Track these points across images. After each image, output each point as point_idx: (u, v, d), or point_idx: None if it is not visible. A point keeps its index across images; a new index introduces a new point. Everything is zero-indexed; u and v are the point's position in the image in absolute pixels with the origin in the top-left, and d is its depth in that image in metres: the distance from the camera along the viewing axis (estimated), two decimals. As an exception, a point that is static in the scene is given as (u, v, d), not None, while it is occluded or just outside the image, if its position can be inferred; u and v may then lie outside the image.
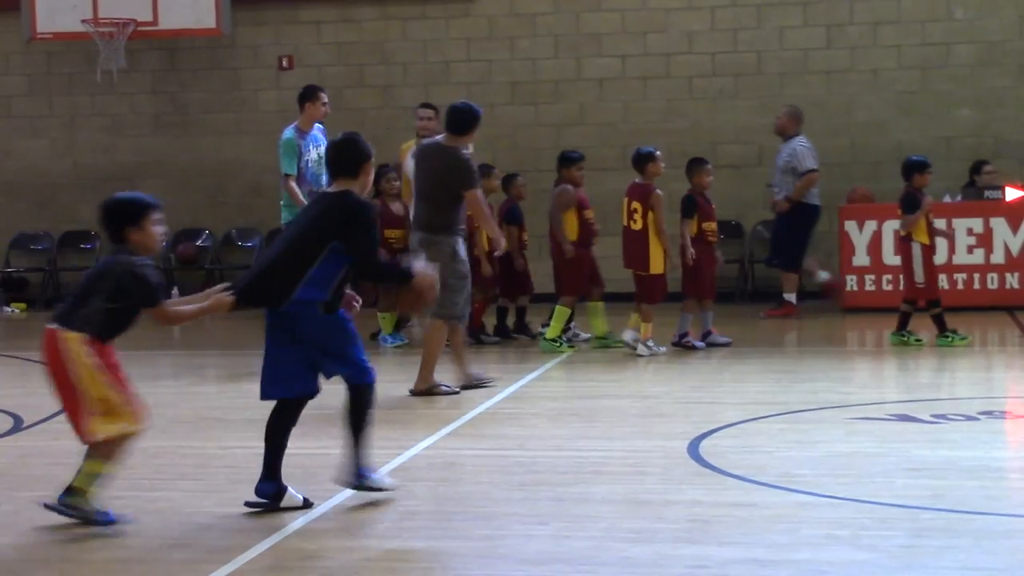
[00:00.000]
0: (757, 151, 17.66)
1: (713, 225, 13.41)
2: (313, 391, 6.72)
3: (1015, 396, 10.64)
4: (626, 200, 12.83)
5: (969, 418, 8.93)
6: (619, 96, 17.53)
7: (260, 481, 6.63)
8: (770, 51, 18.17)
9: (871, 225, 16.33)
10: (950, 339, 12.75)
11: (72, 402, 6.31)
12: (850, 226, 16.43)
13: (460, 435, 8.80)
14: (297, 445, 6.86)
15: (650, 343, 12.67)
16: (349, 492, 6.85)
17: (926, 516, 6.29)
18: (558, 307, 13.02)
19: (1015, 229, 15.49)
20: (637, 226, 12.69)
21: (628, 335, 12.81)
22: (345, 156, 6.86)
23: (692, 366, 12.12)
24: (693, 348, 12.95)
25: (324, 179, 12.76)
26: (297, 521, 6.37)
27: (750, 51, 18.22)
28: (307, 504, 6.63)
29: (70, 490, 6.36)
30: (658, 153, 13.06)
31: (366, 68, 18.92)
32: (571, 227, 13.16)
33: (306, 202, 12.71)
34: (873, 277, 16.30)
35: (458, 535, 6.19)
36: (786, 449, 8.05)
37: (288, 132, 12.97)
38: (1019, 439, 8.75)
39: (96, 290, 6.38)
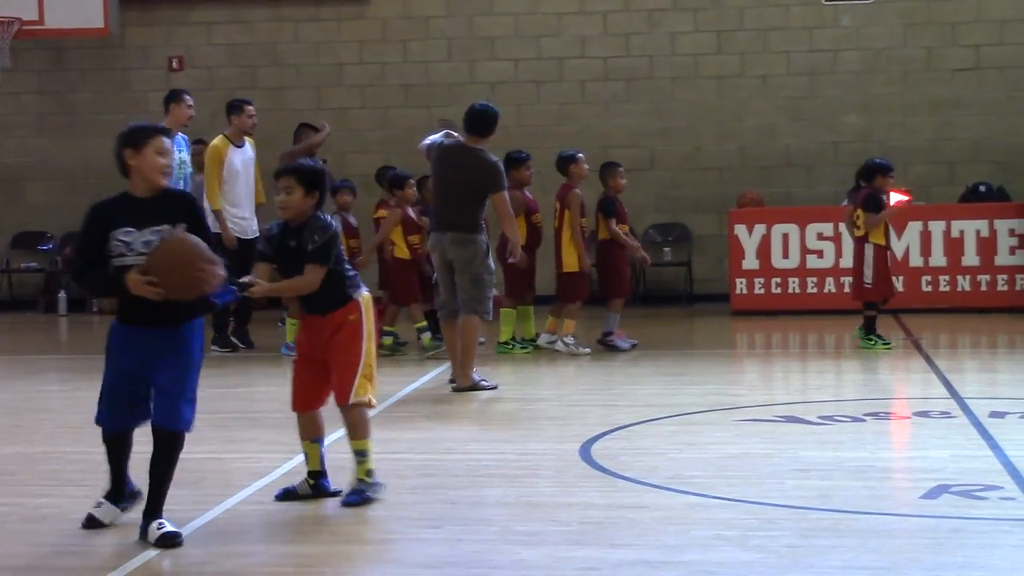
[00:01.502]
0: (649, 155, 17.81)
1: (626, 227, 13.54)
2: None
3: (900, 397, 10.82)
4: (554, 202, 13.19)
5: (855, 419, 9.07)
6: (512, 100, 17.58)
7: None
8: (662, 56, 18.33)
9: (760, 229, 16.55)
10: (873, 343, 12.91)
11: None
12: (740, 230, 16.63)
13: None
14: (192, 450, 6.78)
15: (569, 340, 12.82)
16: (240, 496, 6.81)
17: (813, 516, 6.38)
18: (504, 310, 13.09)
19: (898, 234, 15.75)
20: (557, 225, 13.07)
21: (544, 337, 13.01)
22: None
23: (585, 369, 12.19)
24: (616, 348, 13.05)
25: (182, 184, 12.75)
26: (188, 526, 6.31)
27: (642, 56, 18.37)
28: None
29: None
30: (580, 155, 13.20)
31: (258, 70, 18.80)
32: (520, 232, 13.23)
33: None
34: (762, 280, 16.51)
35: (350, 539, 6.17)
36: (676, 451, 8.12)
37: None
38: (903, 440, 8.91)
39: None
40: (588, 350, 12.96)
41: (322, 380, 6.74)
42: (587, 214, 13.27)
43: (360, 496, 6.66)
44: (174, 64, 18.91)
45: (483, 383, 10.69)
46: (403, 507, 6.71)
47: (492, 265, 10.81)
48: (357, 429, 6.74)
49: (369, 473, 6.75)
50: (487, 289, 10.69)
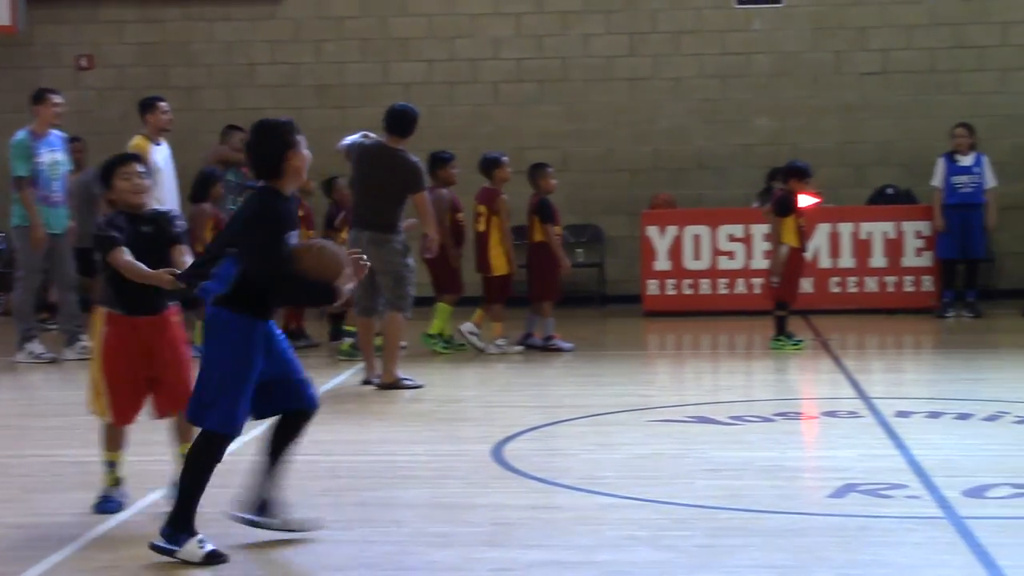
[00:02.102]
0: (561, 156, 17.85)
1: (559, 229, 13.59)
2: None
3: (809, 398, 10.94)
4: (475, 204, 13.18)
5: (765, 419, 9.16)
6: (426, 101, 17.52)
7: None
8: (575, 58, 18.39)
9: (672, 230, 16.66)
10: (782, 343, 13.03)
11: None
12: (652, 231, 16.73)
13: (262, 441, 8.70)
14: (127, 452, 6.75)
15: (500, 342, 12.90)
16: (149, 499, 6.75)
17: (723, 516, 6.44)
18: (441, 305, 13.13)
19: (809, 234, 15.87)
20: (481, 228, 13.09)
21: (467, 326, 13.12)
22: None
23: (497, 370, 12.21)
24: (559, 350, 13.09)
25: (57, 184, 12.67)
26: (95, 530, 6.24)
27: (555, 58, 18.42)
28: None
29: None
30: (505, 159, 13.25)
31: (169, 69, 18.62)
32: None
33: (38, 207, 12.60)
34: (674, 282, 16.62)
35: (261, 540, 6.13)
36: (588, 451, 8.16)
37: (20, 134, 12.83)
38: (812, 439, 9.01)
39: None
40: (518, 348, 13.06)
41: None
42: (510, 217, 13.33)
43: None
44: (83, 63, 18.69)
45: (406, 381, 10.72)
46: (314, 509, 6.68)
47: (411, 263, 10.83)
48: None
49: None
50: (408, 287, 10.78)
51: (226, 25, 18.65)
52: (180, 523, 5.76)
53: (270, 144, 5.94)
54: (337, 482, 7.33)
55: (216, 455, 5.86)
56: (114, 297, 6.47)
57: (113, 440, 6.69)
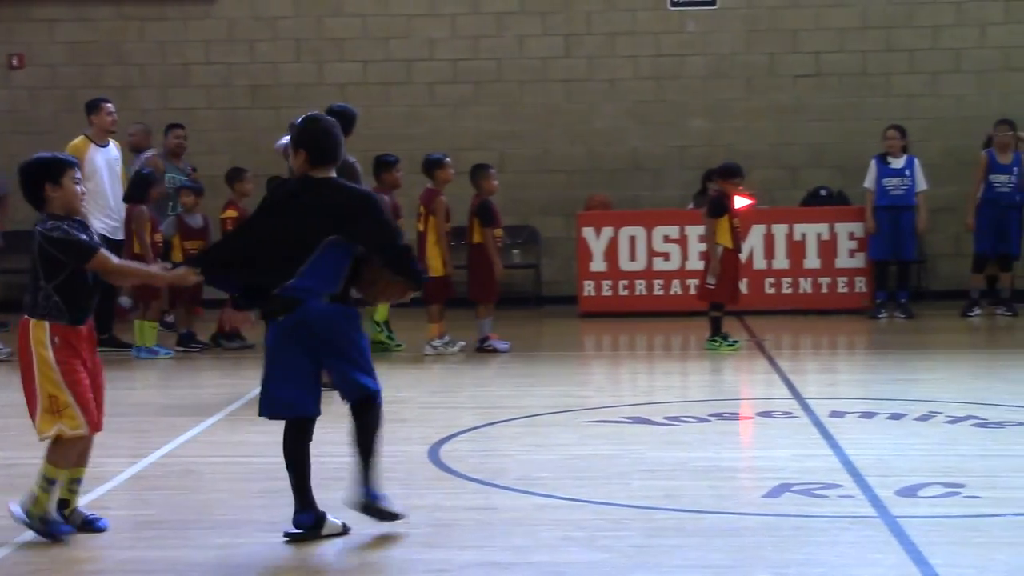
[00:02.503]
0: (497, 157, 17.83)
1: (500, 231, 13.57)
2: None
3: (744, 398, 11.00)
4: (419, 204, 13.25)
5: (700, 420, 9.20)
6: (361, 101, 17.44)
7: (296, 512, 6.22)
8: (510, 59, 18.40)
9: (608, 231, 16.70)
10: (718, 344, 13.08)
11: (31, 395, 6.18)
12: (587, 232, 16.77)
13: (198, 442, 8.67)
14: (35, 454, 6.67)
15: (435, 342, 12.89)
16: (80, 502, 6.68)
17: (659, 516, 6.46)
18: (380, 308, 13.17)
19: (744, 235, 15.97)
20: (421, 228, 13.11)
21: (430, 346, 13.17)
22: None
23: (433, 371, 12.19)
24: (495, 351, 13.13)
25: None
26: (28, 534, 6.17)
27: (490, 59, 18.42)
28: (346, 530, 6.18)
29: (31, 497, 6.17)
30: (447, 160, 13.23)
31: (102, 69, 18.45)
32: None
33: None
34: (610, 283, 16.66)
35: (196, 544, 6.10)
36: (525, 452, 8.16)
37: None
38: (747, 440, 9.06)
39: (36, 273, 6.18)
40: (461, 344, 13.05)
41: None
42: (451, 218, 13.33)
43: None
44: (14, 62, 18.48)
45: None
46: (250, 511, 6.65)
47: None
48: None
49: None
50: None
51: (159, 24, 18.51)
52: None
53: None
54: (274, 484, 7.27)
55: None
56: (63, 308, 6.13)
57: (82, 454, 6.29)
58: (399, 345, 13.39)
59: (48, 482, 6.15)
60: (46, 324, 6.13)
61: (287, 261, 6.07)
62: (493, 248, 13.31)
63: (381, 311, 13.22)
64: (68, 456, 6.20)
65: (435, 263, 13.09)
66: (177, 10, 18.50)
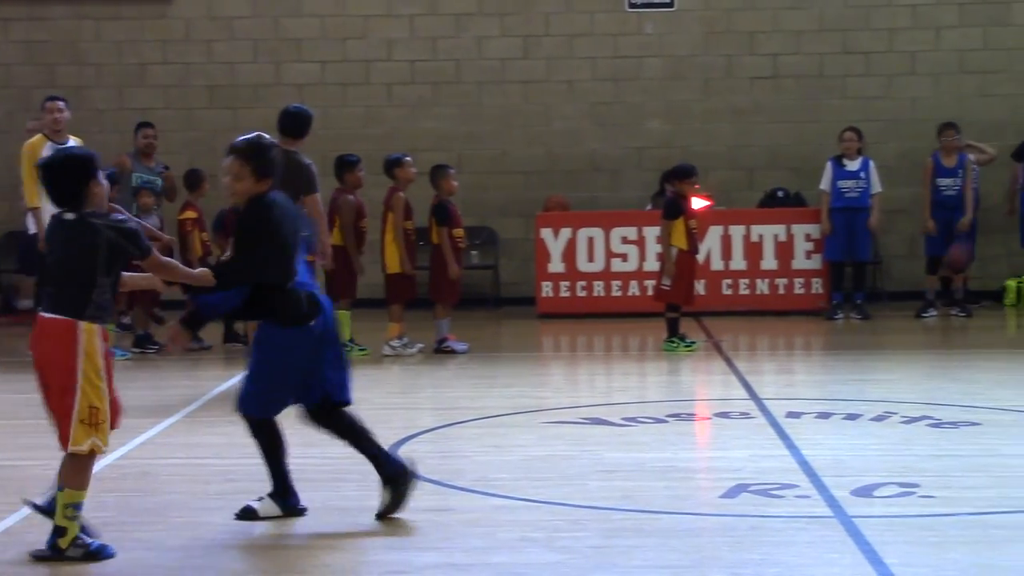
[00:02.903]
0: (456, 158, 17.82)
1: (461, 231, 13.55)
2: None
3: (701, 399, 11.04)
4: (383, 204, 13.28)
5: (658, 421, 9.23)
6: (319, 102, 17.41)
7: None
8: (469, 60, 18.40)
9: (566, 232, 16.72)
10: (676, 345, 13.12)
11: (65, 404, 5.77)
12: (546, 233, 16.79)
13: (155, 444, 8.63)
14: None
15: (394, 343, 12.88)
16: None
17: (617, 517, 6.48)
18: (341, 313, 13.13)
19: (701, 237, 16.03)
20: (382, 228, 13.15)
21: (388, 347, 13.15)
22: None
23: (392, 372, 12.18)
24: (453, 351, 13.14)
25: None
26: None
27: (449, 60, 18.41)
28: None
29: (58, 534, 5.81)
30: (407, 159, 13.23)
31: (57, 68, 18.33)
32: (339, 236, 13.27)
33: None
34: (568, 284, 16.69)
35: (153, 546, 6.07)
36: (483, 453, 8.17)
37: None
38: (704, 440, 9.09)
39: (87, 269, 5.79)
40: (419, 346, 13.04)
41: None
42: (412, 216, 13.31)
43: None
44: (-32, 61, 18.36)
45: None
46: (207, 513, 6.63)
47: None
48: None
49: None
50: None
51: (116, 24, 18.41)
52: None
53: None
54: (231, 485, 7.26)
55: None
56: (107, 308, 5.88)
57: (90, 474, 5.95)
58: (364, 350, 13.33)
59: (75, 509, 5.80)
60: (97, 328, 5.80)
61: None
62: (447, 249, 13.28)
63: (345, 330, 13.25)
64: (86, 475, 5.85)
65: (392, 261, 13.07)
66: (133, 10, 18.41)
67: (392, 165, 13.23)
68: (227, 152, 6.47)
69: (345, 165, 13.21)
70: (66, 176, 5.90)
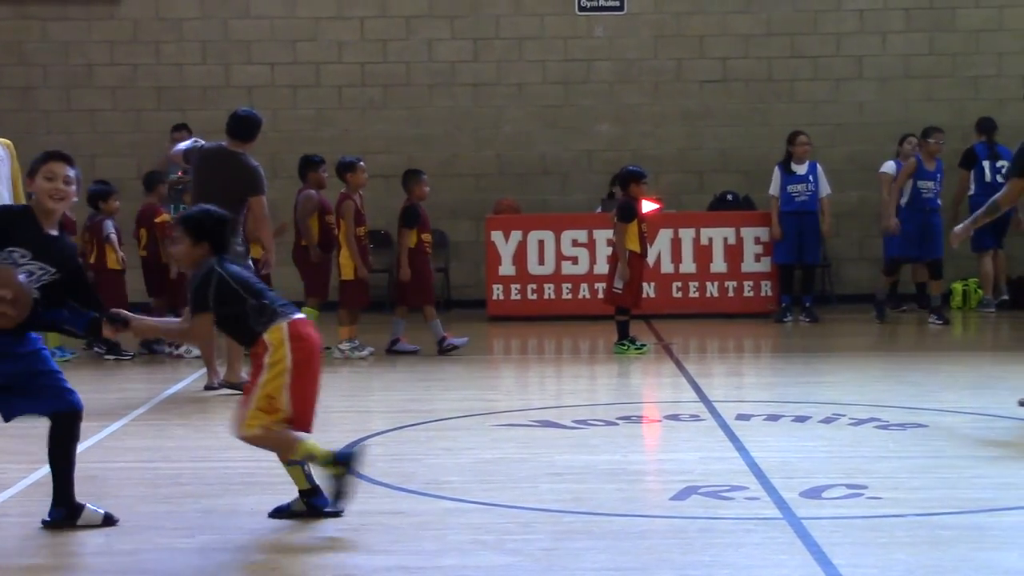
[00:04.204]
0: (406, 161, 17.79)
1: (429, 236, 13.59)
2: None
3: (651, 401, 11.07)
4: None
5: (608, 423, 9.24)
6: (268, 104, 17.40)
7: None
8: (419, 63, 18.39)
9: (516, 235, 16.74)
10: (626, 347, 13.16)
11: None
12: (496, 236, 16.80)
13: (103, 447, 8.57)
14: None
15: (344, 345, 12.90)
16: (-16, 510, 6.59)
17: (568, 519, 6.48)
18: (307, 309, 13.13)
19: (651, 239, 16.09)
20: (336, 233, 13.17)
21: (347, 347, 13.18)
22: None
23: (342, 375, 12.15)
24: (455, 348, 13.23)
25: None
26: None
27: (399, 62, 18.40)
28: (109, 520, 6.38)
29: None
30: (361, 163, 13.24)
31: (3, 69, 18.20)
32: (314, 231, 13.25)
33: None
34: (518, 286, 16.71)
35: (100, 551, 6.03)
36: (434, 456, 8.16)
37: None
38: (654, 443, 9.11)
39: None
40: (369, 350, 13.07)
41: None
42: (364, 221, 13.33)
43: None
44: (-87, 61, 18.18)
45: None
46: (156, 517, 6.58)
47: (251, 264, 10.82)
48: (277, 452, 6.58)
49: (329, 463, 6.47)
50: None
51: (62, 25, 18.29)
52: None
53: None
54: (180, 489, 7.23)
55: None
56: None
57: None
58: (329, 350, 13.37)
59: None
60: None
61: None
62: (404, 252, 13.33)
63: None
64: None
65: (346, 268, 13.14)
66: (81, 10, 18.29)
67: (345, 169, 13.24)
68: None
69: (309, 164, 13.41)
70: None
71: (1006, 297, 17.14)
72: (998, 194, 9.68)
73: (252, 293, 6.41)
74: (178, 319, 6.61)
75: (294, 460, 6.51)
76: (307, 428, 6.51)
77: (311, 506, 6.54)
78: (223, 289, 6.36)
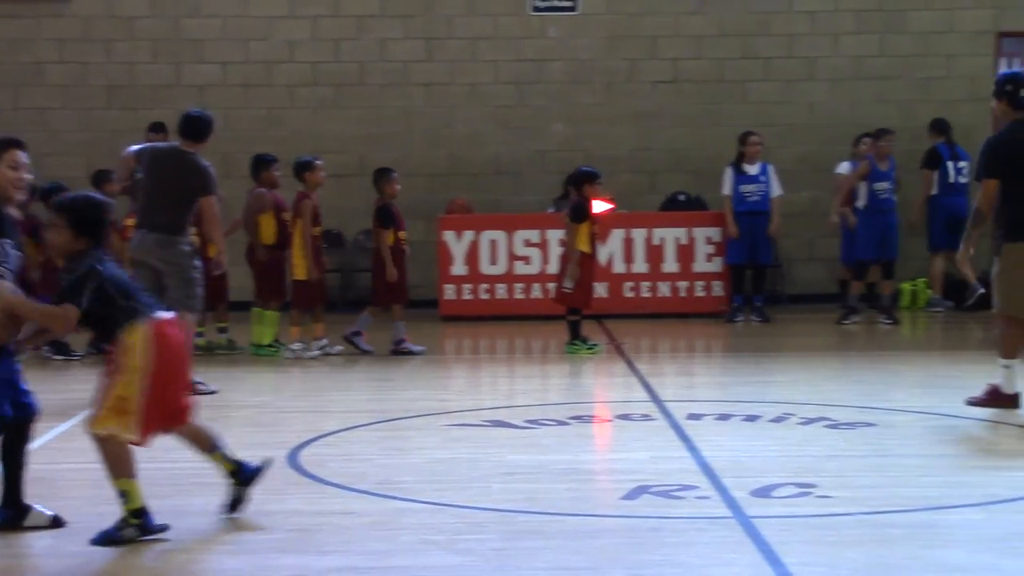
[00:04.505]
0: (358, 161, 17.81)
1: (405, 233, 13.57)
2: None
3: (603, 401, 11.10)
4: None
5: (560, 423, 9.26)
6: (220, 103, 17.32)
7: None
8: (372, 62, 18.36)
9: (469, 235, 16.75)
10: (578, 347, 13.18)
11: None
12: (448, 236, 16.80)
13: (53, 448, 8.51)
14: None
15: (296, 346, 12.91)
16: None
17: (520, 519, 6.49)
18: (260, 311, 13.12)
19: (603, 240, 16.12)
20: (291, 232, 13.18)
21: (315, 346, 13.20)
22: None
23: (294, 375, 12.12)
24: (411, 353, 13.20)
25: None
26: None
27: (352, 62, 18.36)
28: (57, 523, 6.36)
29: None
30: (319, 162, 13.22)
31: (-49, 66, 18.05)
32: (268, 231, 13.17)
33: None
34: (471, 286, 16.71)
35: (48, 552, 5.99)
36: (385, 456, 8.15)
37: None
38: (605, 442, 9.14)
39: None
40: (316, 353, 13.05)
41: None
42: (320, 221, 13.31)
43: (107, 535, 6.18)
44: None
45: (200, 386, 10.58)
46: (104, 518, 6.54)
47: (198, 264, 10.80)
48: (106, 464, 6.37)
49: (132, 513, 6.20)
50: (197, 287, 10.74)
51: (11, 22, 18.14)
52: None
53: None
54: (128, 490, 7.17)
55: None
56: None
57: None
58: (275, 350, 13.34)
59: None
60: None
61: None
62: (385, 250, 13.34)
63: (268, 333, 13.24)
64: None
65: (299, 268, 13.16)
66: (30, 8, 18.16)
67: (302, 168, 13.24)
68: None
69: (261, 164, 13.40)
70: None
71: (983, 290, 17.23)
72: (976, 203, 9.58)
73: (126, 296, 6.24)
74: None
75: (211, 455, 6.63)
76: (161, 430, 6.39)
77: (243, 478, 6.58)
78: (101, 292, 6.17)
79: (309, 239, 13.10)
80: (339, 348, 13.30)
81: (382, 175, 13.60)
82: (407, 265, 13.73)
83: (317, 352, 13.14)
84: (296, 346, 13.05)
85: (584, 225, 13.25)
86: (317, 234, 13.25)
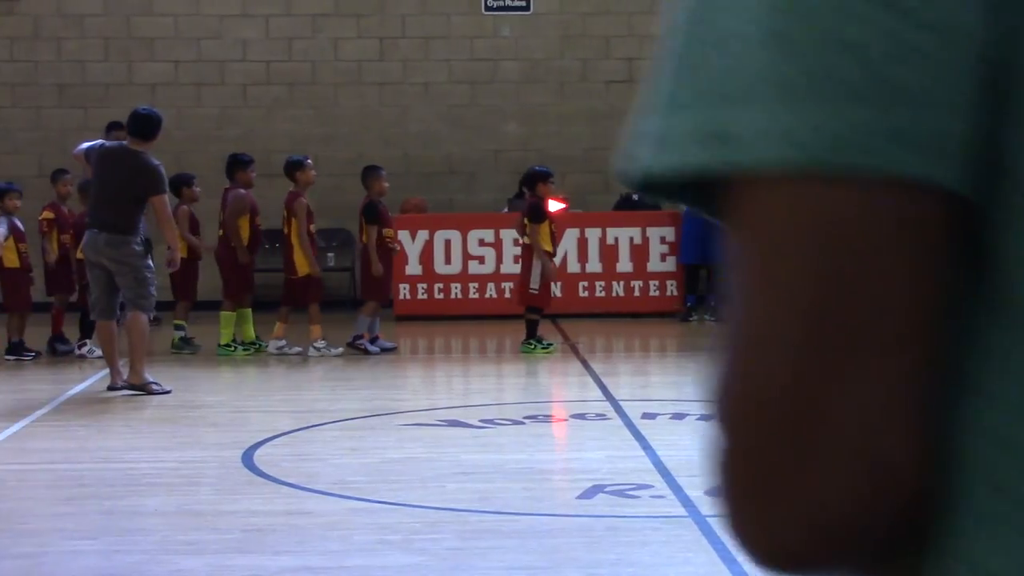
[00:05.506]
0: (312, 160, 17.71)
1: (391, 231, 13.55)
2: None
3: (558, 400, 11.11)
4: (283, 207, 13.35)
5: (515, 422, 9.26)
6: (172, 102, 17.23)
7: None
8: (325, 61, 18.31)
9: (423, 235, 16.71)
10: (533, 347, 13.18)
11: None
12: (403, 236, 16.74)
13: (5, 448, 8.45)
14: None
15: (319, 344, 12.90)
16: None
17: (474, 518, 6.49)
18: (224, 313, 13.08)
19: (557, 239, 16.14)
20: (286, 231, 13.18)
21: (273, 345, 13.11)
22: None
23: (248, 374, 12.08)
24: (366, 352, 13.11)
25: None
26: None
27: (305, 61, 18.30)
28: None
29: None
30: (308, 161, 13.23)
31: (-100, 64, 17.88)
32: (244, 232, 13.16)
33: None
34: (425, 286, 16.68)
35: (1, 554, 5.94)
36: (340, 456, 8.13)
37: None
38: (561, 442, 9.15)
39: None
40: (339, 351, 13.06)
41: None
42: (314, 219, 13.34)
43: None
44: None
45: (155, 386, 10.60)
46: (58, 519, 6.50)
47: (151, 263, 10.75)
48: None
49: None
50: (149, 286, 10.72)
51: (-39, 20, 18.00)
52: None
53: None
54: (82, 490, 7.14)
55: None
56: None
57: None
58: (247, 351, 13.30)
59: None
60: None
61: None
62: (372, 247, 13.34)
63: (226, 334, 13.22)
64: None
65: (300, 264, 13.18)
66: (-20, 6, 18.02)
67: (293, 168, 13.25)
68: None
69: (237, 164, 13.41)
70: None
71: None
72: None
73: None
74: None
75: None
76: None
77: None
78: None
79: (306, 236, 13.13)
80: (297, 349, 13.22)
81: (370, 173, 13.67)
82: (392, 262, 13.75)
83: (298, 349, 13.11)
84: (320, 344, 13.06)
85: (544, 224, 13.27)
86: (312, 232, 13.33)
